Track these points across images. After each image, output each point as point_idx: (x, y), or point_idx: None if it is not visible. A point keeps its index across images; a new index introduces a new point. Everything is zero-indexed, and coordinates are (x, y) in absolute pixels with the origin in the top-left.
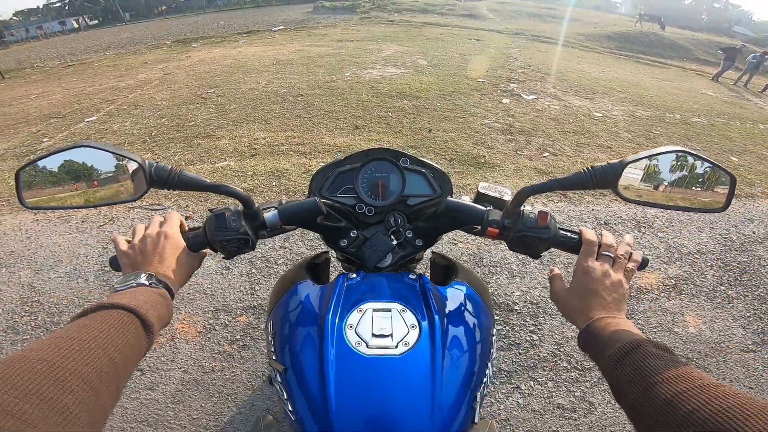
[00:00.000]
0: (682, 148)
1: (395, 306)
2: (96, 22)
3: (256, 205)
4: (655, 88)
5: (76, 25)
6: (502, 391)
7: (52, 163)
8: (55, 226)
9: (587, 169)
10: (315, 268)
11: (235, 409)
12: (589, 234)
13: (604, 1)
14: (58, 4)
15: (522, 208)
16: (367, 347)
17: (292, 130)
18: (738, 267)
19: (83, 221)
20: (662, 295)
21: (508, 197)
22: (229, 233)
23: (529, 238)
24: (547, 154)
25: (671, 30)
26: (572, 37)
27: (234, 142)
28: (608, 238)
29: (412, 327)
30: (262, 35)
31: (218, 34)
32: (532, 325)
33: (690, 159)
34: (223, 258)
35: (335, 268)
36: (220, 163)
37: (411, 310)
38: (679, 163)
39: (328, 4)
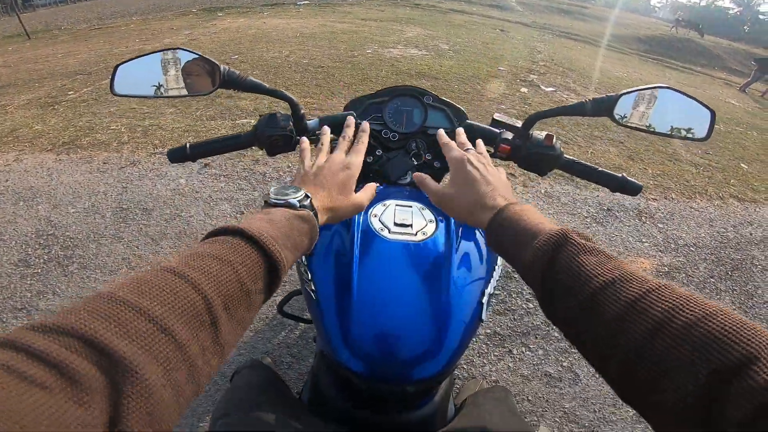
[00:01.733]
0: (669, 86)
1: (416, 204)
2: None
3: (303, 111)
4: None
5: None
6: (495, 353)
7: (145, 63)
8: (77, 165)
9: (589, 99)
10: None
11: (234, 351)
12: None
13: (643, 3)
14: None
15: (531, 131)
16: (389, 233)
17: (311, 97)
18: (731, 263)
19: (105, 162)
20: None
21: (518, 124)
22: (278, 129)
23: (538, 155)
24: (559, 143)
25: (709, 38)
26: (599, 35)
27: (254, 103)
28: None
29: (430, 221)
30: (287, 8)
31: (243, 4)
32: (529, 293)
33: (677, 96)
34: (267, 153)
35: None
36: (241, 120)
37: (430, 209)
38: (668, 100)
39: None
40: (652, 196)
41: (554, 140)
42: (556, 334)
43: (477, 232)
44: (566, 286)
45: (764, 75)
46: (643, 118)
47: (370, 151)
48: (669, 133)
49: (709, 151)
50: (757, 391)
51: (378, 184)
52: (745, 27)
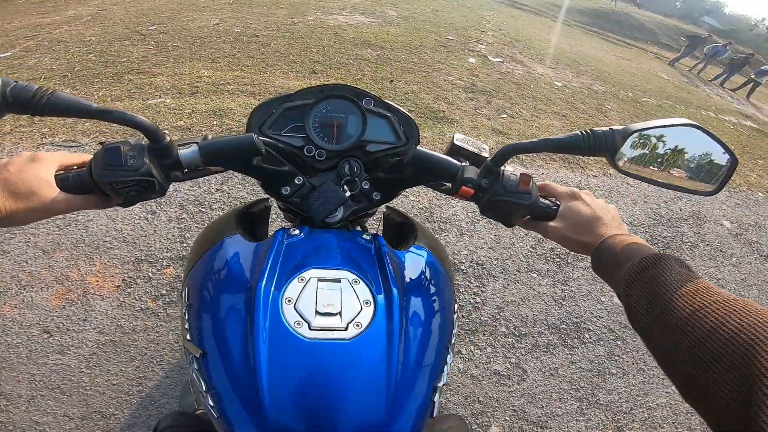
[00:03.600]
0: (696, 123)
1: (346, 275)
2: None
3: (168, 138)
4: (615, 66)
5: None
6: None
7: None
8: None
9: (586, 132)
10: (250, 219)
11: (162, 374)
12: (550, 182)
13: None
14: None
15: (502, 168)
16: (310, 328)
17: (242, 70)
18: (663, 241)
19: None
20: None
21: (485, 154)
22: (125, 173)
23: (507, 203)
24: (505, 115)
25: (644, 13)
26: (547, 7)
27: (173, 79)
28: None
29: (366, 303)
30: None
31: None
32: (476, 287)
33: (701, 137)
34: (118, 204)
35: (276, 221)
36: (153, 100)
37: (365, 281)
38: (690, 141)
39: None
40: (592, 173)
41: (531, 183)
42: (503, 329)
43: (430, 305)
44: (648, 300)
45: (693, 51)
46: (650, 167)
47: (285, 180)
48: (675, 185)
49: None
50: None
51: (292, 228)
52: (677, 3)
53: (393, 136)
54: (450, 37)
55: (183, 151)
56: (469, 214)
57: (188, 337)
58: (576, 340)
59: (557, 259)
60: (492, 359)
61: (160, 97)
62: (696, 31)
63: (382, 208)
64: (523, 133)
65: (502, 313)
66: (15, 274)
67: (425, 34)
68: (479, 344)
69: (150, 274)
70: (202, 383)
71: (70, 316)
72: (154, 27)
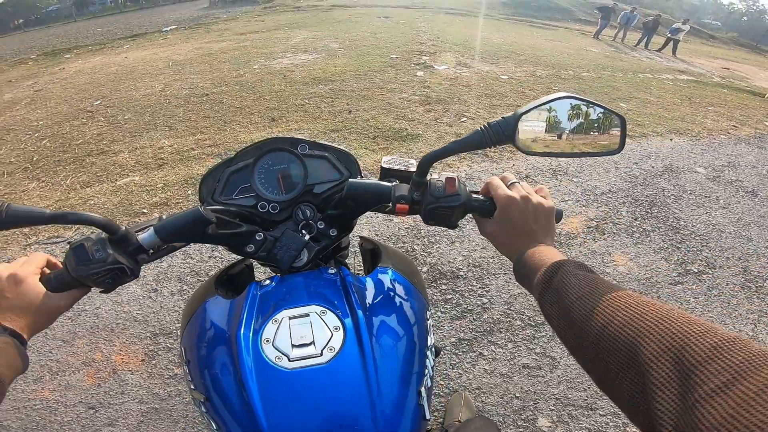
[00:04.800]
0: (569, 94)
1: (313, 309)
2: None
3: (123, 227)
4: (549, 49)
5: None
6: (467, 360)
7: None
8: None
9: (483, 126)
10: (233, 280)
11: (207, 429)
12: (495, 178)
13: None
14: None
15: (428, 178)
16: (289, 360)
17: (202, 132)
18: (646, 201)
19: None
20: (588, 237)
21: (413, 169)
22: (95, 265)
23: (441, 209)
24: (465, 118)
25: None
26: (473, 6)
27: (135, 154)
28: (510, 174)
29: (335, 329)
30: (152, 37)
31: (96, 41)
32: (480, 288)
33: (581, 105)
34: (101, 292)
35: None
36: (122, 180)
37: (331, 310)
38: (574, 112)
39: None
40: None
41: (456, 183)
42: (519, 323)
43: (399, 317)
44: (557, 306)
45: (608, 22)
46: (549, 140)
47: (246, 239)
48: (580, 152)
49: (591, 97)
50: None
51: (264, 280)
52: None
53: (335, 173)
54: (394, 56)
55: (141, 236)
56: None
57: (192, 386)
58: None
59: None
60: (516, 354)
61: (127, 175)
62: (604, 2)
63: (356, 240)
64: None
65: (512, 308)
66: (44, 363)
67: (370, 58)
68: (499, 342)
69: (168, 344)
70: (212, 422)
71: (108, 392)
72: (99, 101)
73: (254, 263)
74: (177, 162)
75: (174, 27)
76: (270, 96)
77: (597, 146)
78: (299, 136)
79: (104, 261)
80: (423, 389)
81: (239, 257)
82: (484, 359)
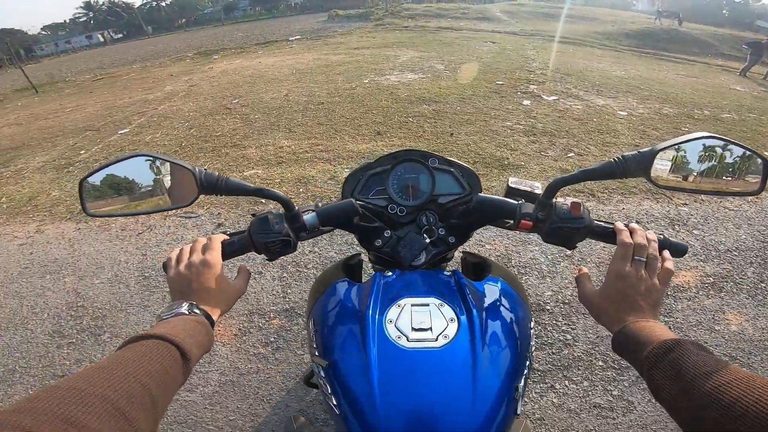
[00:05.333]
0: (713, 135)
1: (433, 300)
2: (120, 35)
3: (297, 208)
4: (681, 85)
5: (102, 39)
6: (536, 390)
7: (112, 173)
8: (96, 234)
9: (618, 157)
10: (349, 270)
11: (270, 410)
12: (624, 234)
13: None
14: (84, 19)
15: (554, 200)
16: (408, 341)
17: (316, 137)
18: None
19: (122, 229)
20: (701, 293)
21: (538, 191)
22: (273, 235)
23: (564, 229)
24: (572, 153)
25: (692, 26)
26: (591, 36)
27: (260, 150)
28: (640, 236)
29: (451, 320)
30: (280, 45)
31: (237, 45)
32: (565, 324)
33: (720, 146)
34: (265, 259)
35: (365, 271)
36: (248, 172)
37: (449, 305)
38: (706, 153)
39: (342, 12)
40: (681, 201)
41: (582, 209)
42: (601, 363)
43: (506, 321)
44: (671, 380)
45: (760, 58)
46: (686, 176)
47: (376, 234)
48: (717, 190)
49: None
50: None
51: (386, 271)
52: (724, 11)
53: (458, 187)
54: (500, 83)
55: (306, 217)
56: (549, 256)
57: (316, 353)
58: None
59: None
60: (590, 392)
61: (252, 168)
62: (755, 37)
63: (458, 255)
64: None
65: (597, 348)
66: (153, 323)
67: (475, 82)
68: (574, 379)
69: (260, 324)
70: (327, 387)
71: (198, 360)
72: (236, 101)
73: (363, 259)
74: (292, 162)
75: (298, 37)
76: (377, 111)
77: (731, 188)
78: (430, 152)
79: (280, 232)
80: (520, 386)
81: (354, 253)
82: (554, 392)
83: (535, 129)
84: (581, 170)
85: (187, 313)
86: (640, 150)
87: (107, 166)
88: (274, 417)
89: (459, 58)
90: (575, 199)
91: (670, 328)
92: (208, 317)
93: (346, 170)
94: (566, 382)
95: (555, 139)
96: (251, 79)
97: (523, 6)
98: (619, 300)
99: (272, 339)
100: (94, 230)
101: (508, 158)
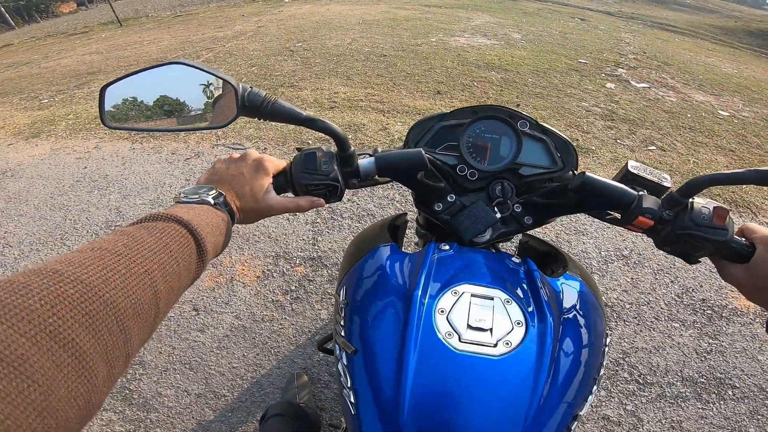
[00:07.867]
0: None
1: (498, 294)
2: None
3: (353, 148)
4: None
5: None
6: None
7: (140, 82)
8: (148, 155)
9: (764, 169)
10: (393, 231)
11: (275, 363)
12: (755, 224)
13: None
14: None
15: (691, 200)
16: (460, 341)
17: (373, 87)
18: None
19: (173, 153)
20: (758, 319)
21: (667, 184)
22: (318, 177)
23: (696, 237)
24: (653, 147)
25: None
26: (704, 29)
27: (315, 93)
28: None
29: (518, 324)
30: None
31: None
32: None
33: None
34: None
35: (407, 238)
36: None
37: (517, 303)
38: None
39: None
40: None
41: (727, 218)
42: (626, 375)
43: (581, 334)
44: None
45: None
46: None
47: (438, 196)
48: None
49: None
50: None
51: (442, 244)
52: None
53: (548, 160)
54: (583, 61)
55: (361, 161)
56: (602, 252)
57: (342, 333)
58: (714, 395)
59: (708, 311)
60: (604, 403)
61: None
62: None
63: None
64: (677, 169)
65: (627, 359)
66: None
67: (553, 57)
68: None
69: (285, 269)
70: (348, 379)
71: (216, 299)
72: (300, 44)
73: (409, 222)
74: (346, 108)
75: None
76: (440, 70)
77: None
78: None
79: (327, 175)
80: (580, 414)
81: (401, 213)
82: None
83: (615, 114)
84: (749, 169)
85: (212, 203)
86: None
87: (134, 73)
88: (277, 370)
89: (540, 30)
90: (721, 205)
91: (710, 350)
92: (232, 216)
93: (399, 124)
94: None
95: (636, 128)
96: (318, 24)
97: None
98: None
99: (293, 288)
100: (147, 151)
101: (578, 140)
